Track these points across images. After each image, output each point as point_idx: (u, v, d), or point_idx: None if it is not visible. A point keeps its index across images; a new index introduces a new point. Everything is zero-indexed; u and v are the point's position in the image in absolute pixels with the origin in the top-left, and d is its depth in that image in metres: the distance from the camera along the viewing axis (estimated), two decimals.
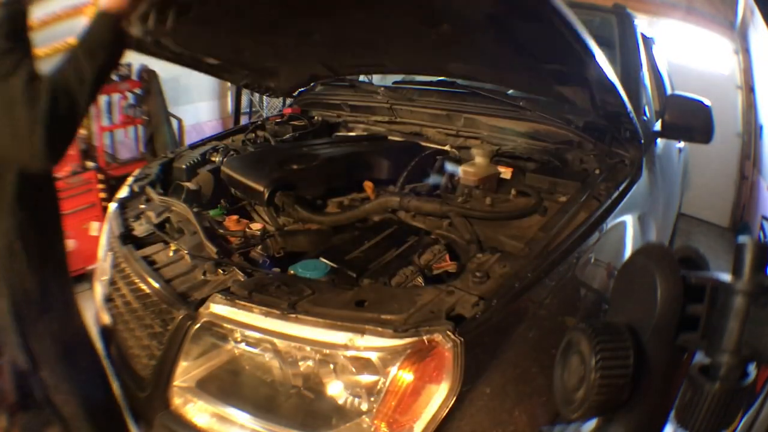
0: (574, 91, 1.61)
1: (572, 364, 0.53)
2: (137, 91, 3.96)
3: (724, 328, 0.47)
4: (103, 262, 1.62)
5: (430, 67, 1.96)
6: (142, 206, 1.66)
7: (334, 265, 1.25)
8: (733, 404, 0.47)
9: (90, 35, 1.18)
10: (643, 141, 1.68)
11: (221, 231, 1.49)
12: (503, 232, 1.34)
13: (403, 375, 0.95)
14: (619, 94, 1.44)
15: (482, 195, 1.52)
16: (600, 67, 1.29)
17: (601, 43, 1.31)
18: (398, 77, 2.73)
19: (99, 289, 1.59)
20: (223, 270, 1.26)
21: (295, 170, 1.63)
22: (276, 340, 1.02)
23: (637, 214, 1.56)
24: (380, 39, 1.82)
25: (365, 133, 2.18)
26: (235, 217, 1.58)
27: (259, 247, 1.44)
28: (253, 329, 1.05)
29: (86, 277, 2.25)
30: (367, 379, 0.97)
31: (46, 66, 1.15)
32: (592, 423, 0.56)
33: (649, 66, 2.27)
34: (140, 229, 1.54)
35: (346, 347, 0.97)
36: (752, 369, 0.47)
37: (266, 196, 1.53)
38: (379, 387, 0.96)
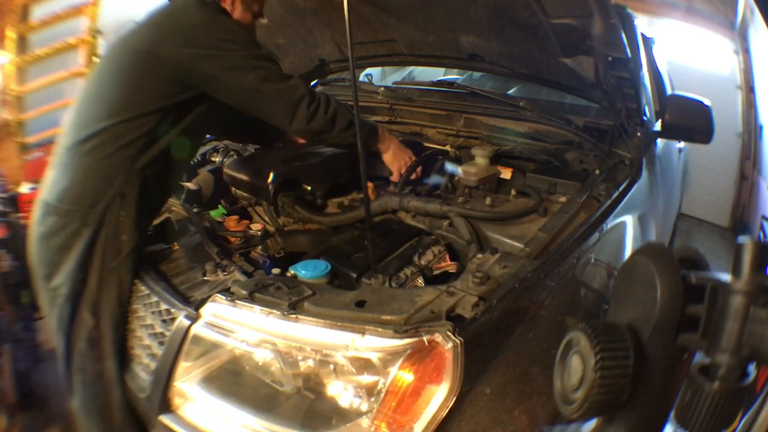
0: (579, 61, 1.59)
1: (572, 364, 0.53)
2: None
3: (724, 328, 0.47)
4: None
5: (441, 41, 1.94)
6: None
7: (335, 265, 1.25)
8: (733, 404, 0.47)
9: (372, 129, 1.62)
10: (646, 118, 1.65)
11: (221, 231, 1.49)
12: (503, 232, 1.34)
13: (404, 375, 0.94)
14: (624, 58, 1.42)
15: (482, 195, 1.52)
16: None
17: None
18: (398, 77, 2.73)
19: None
20: (223, 270, 1.26)
21: (299, 167, 1.63)
22: (276, 341, 1.02)
23: (637, 214, 1.56)
24: (395, 7, 1.82)
25: None
26: (235, 217, 1.58)
27: (259, 247, 1.45)
28: (254, 329, 1.05)
29: None
30: (367, 379, 0.97)
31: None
32: (592, 423, 0.56)
33: (649, 66, 2.27)
34: None
35: (346, 348, 0.97)
36: (752, 369, 0.47)
37: (271, 191, 1.54)
38: (379, 387, 0.95)
